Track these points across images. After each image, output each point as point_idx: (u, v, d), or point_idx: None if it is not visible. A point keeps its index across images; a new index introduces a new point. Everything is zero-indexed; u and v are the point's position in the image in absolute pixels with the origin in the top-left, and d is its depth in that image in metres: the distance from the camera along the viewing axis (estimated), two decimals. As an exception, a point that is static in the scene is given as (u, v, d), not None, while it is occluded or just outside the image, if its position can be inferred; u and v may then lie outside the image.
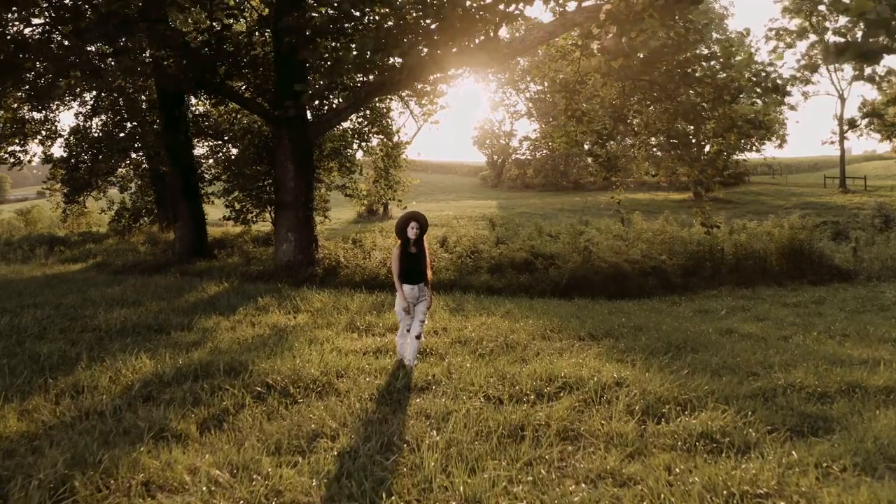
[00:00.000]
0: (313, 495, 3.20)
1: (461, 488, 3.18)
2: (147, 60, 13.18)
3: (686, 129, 12.66)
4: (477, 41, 9.05)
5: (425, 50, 8.88)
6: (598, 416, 4.24)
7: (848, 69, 44.00)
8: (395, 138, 18.64)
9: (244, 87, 14.28)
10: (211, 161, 21.75)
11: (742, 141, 12.73)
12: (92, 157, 22.57)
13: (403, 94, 15.95)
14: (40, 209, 36.04)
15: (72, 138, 22.60)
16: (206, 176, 21.00)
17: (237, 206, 16.87)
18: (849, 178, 44.29)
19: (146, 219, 25.07)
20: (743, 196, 38.98)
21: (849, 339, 8.16)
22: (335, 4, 9.74)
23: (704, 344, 7.04)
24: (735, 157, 12.23)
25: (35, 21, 11.90)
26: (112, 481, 3.38)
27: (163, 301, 9.91)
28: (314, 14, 10.81)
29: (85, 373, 5.51)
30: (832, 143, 45.65)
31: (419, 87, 14.28)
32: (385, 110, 17.18)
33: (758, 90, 12.19)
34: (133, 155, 23.63)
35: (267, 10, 13.11)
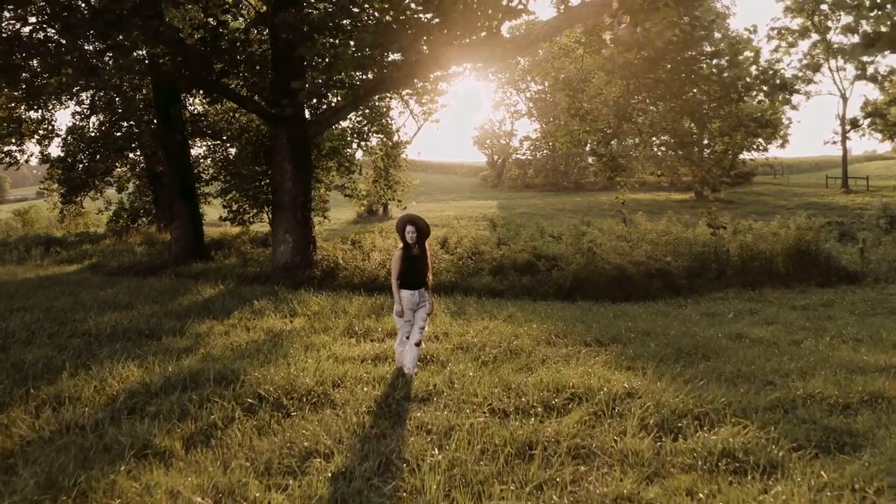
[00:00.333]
0: (305, 522, 2.94)
1: (466, 515, 2.92)
2: (142, 58, 12.94)
3: (691, 128, 12.39)
4: (478, 37, 8.78)
5: (425, 46, 8.62)
6: (611, 431, 3.98)
7: (850, 69, 43.77)
8: (395, 138, 18.39)
9: (241, 85, 14.02)
10: (209, 161, 21.52)
11: (748, 140, 12.47)
12: (89, 156, 22.35)
13: (403, 92, 15.68)
14: (37, 209, 35.78)
15: (69, 138, 22.39)
16: (203, 176, 20.76)
17: (234, 207, 16.60)
18: (851, 178, 44.00)
19: (144, 219, 24.84)
20: (745, 196, 38.71)
21: (862, 343, 7.90)
22: (333, 0, 9.49)
23: (715, 350, 6.78)
24: (742, 156, 11.95)
25: (31, 20, 11.65)
26: (87, 506, 3.12)
27: (156, 304, 9.65)
28: (312, 11, 10.56)
29: (69, 382, 5.25)
30: (834, 143, 45.40)
31: (419, 85, 14.02)
32: (385, 109, 16.92)
33: (764, 88, 11.94)
34: (131, 155, 23.44)
35: (265, 7, 12.86)
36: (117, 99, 19.48)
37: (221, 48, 11.42)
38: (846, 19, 43.15)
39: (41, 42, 11.04)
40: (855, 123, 43.74)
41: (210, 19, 11.72)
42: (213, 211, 25.00)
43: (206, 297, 10.46)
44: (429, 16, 9.02)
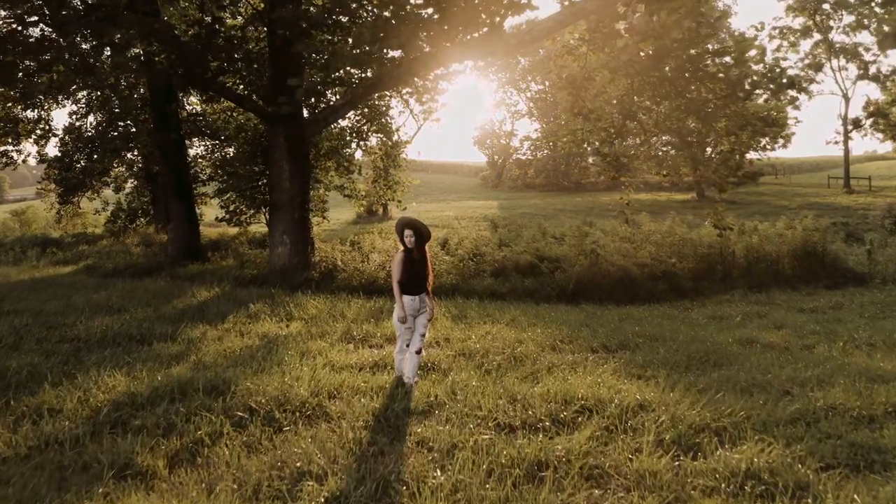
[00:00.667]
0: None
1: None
2: (138, 56, 12.69)
3: (697, 126, 12.13)
4: (480, 33, 8.52)
5: (425, 42, 8.36)
6: (625, 448, 3.72)
7: (853, 68, 43.52)
8: (395, 137, 18.12)
9: (238, 83, 13.76)
10: (207, 161, 21.27)
11: (755, 140, 12.21)
12: (86, 156, 22.10)
13: (403, 91, 15.42)
14: (35, 210, 35.53)
15: (67, 137, 22.14)
16: (200, 176, 20.51)
17: (231, 207, 16.35)
18: (852, 178, 43.72)
19: (142, 219, 24.59)
20: (746, 197, 38.45)
21: (877, 349, 7.65)
22: (331, -5, 9.24)
23: (727, 356, 6.53)
24: (749, 156, 11.68)
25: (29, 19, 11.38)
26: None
27: (149, 308, 9.40)
28: (310, 7, 10.31)
29: (52, 392, 5.00)
30: (836, 143, 45.15)
31: (419, 83, 13.75)
32: (384, 108, 16.65)
33: (771, 86, 11.69)
34: (128, 155, 23.20)
35: (262, 3, 12.60)
36: (114, 98, 19.24)
37: (217, 45, 11.16)
38: (848, 19, 43.02)
39: (38, 40, 10.80)
40: (857, 123, 43.48)
41: (206, 16, 11.46)
42: (211, 211, 24.73)
43: (200, 300, 10.21)
44: (429, 11, 8.76)
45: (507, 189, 53.10)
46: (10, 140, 21.03)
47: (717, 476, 3.36)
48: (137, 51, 13.04)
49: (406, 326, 5.20)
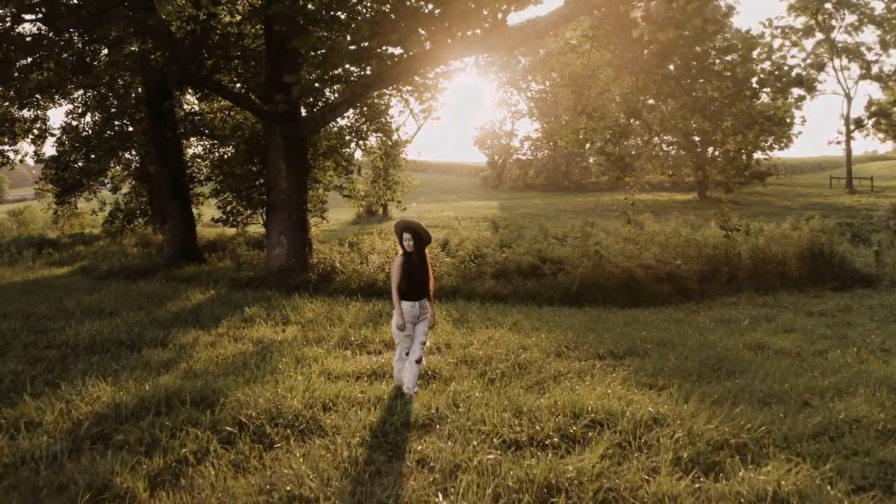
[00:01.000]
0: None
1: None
2: (133, 53, 12.42)
3: (703, 126, 11.87)
4: (482, 28, 8.26)
5: (426, 38, 8.10)
6: (641, 467, 3.47)
7: (855, 68, 43.30)
8: (395, 137, 17.85)
9: (234, 81, 13.50)
10: (205, 161, 21.00)
11: (762, 139, 11.95)
12: (83, 156, 21.83)
13: (403, 89, 15.16)
14: (32, 210, 35.27)
15: (64, 137, 21.88)
16: (197, 176, 20.24)
17: (228, 208, 16.09)
18: (854, 178, 43.45)
19: (140, 220, 24.32)
20: (748, 197, 38.16)
21: (892, 355, 7.41)
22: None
23: (739, 364, 6.28)
24: (757, 155, 11.43)
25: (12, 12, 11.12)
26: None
27: (141, 311, 9.14)
28: (308, 4, 10.03)
29: (33, 403, 4.74)
30: (838, 143, 44.90)
31: (419, 81, 13.50)
32: (384, 107, 16.38)
33: (778, 84, 11.43)
34: (126, 155, 22.94)
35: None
36: (111, 96, 18.98)
37: (213, 42, 10.90)
38: (850, 18, 42.79)
39: (34, 37, 10.54)
40: (859, 123, 43.23)
41: (201, 12, 11.19)
42: (210, 212, 24.48)
43: (195, 303, 9.95)
44: (430, 7, 8.50)
45: (507, 189, 52.83)
46: (6, 140, 20.78)
47: (742, 500, 3.11)
48: (133, 48, 12.80)
49: (405, 334, 4.95)
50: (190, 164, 20.25)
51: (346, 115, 15.48)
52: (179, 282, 12.74)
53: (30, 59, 10.74)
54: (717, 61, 11.40)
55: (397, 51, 9.60)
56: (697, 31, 10.66)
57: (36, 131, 21.20)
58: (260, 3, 12.25)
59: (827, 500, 3.11)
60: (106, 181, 23.97)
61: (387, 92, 15.42)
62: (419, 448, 3.76)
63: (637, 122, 11.74)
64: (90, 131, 21.64)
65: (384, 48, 8.44)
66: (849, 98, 43.49)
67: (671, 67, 11.44)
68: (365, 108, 15.56)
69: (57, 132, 21.81)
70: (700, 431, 3.95)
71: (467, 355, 6.31)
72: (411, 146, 28.94)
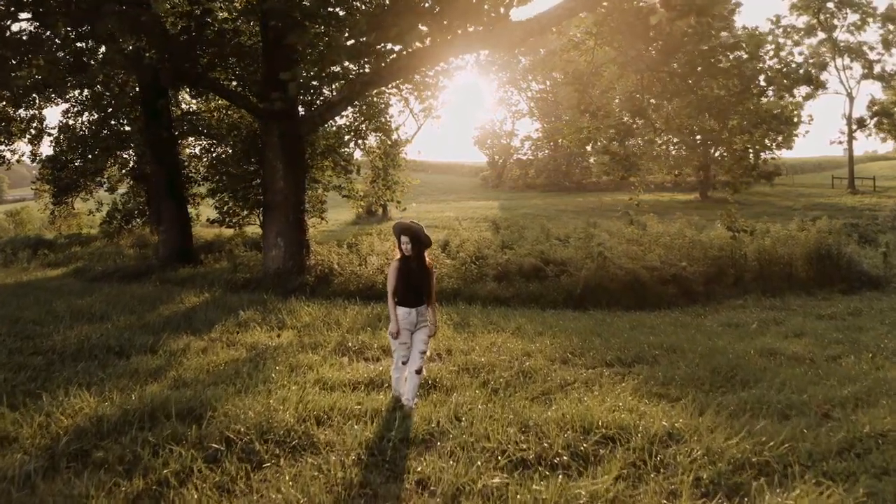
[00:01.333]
0: None
1: None
2: (127, 50, 12.16)
3: (709, 125, 11.61)
4: (483, 23, 8.00)
5: (425, 30, 7.83)
6: (659, 490, 3.21)
7: (857, 67, 43.05)
8: (394, 136, 17.60)
9: (230, 79, 13.24)
10: (202, 160, 20.74)
11: (769, 138, 11.68)
12: (80, 156, 21.58)
13: (402, 87, 14.90)
14: (29, 210, 35.02)
15: (62, 137, 21.63)
16: (194, 177, 19.99)
17: (224, 208, 15.83)
18: (856, 178, 43.22)
19: (138, 220, 24.07)
20: (750, 197, 37.86)
21: (907, 360, 7.14)
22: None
23: (753, 372, 6.02)
24: (765, 154, 11.18)
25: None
26: None
27: (133, 315, 8.89)
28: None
29: (10, 416, 4.48)
30: (840, 142, 44.73)
31: (419, 79, 13.24)
32: (383, 106, 16.12)
33: (785, 82, 11.18)
34: (123, 154, 22.69)
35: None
36: (107, 95, 18.73)
37: (208, 39, 10.64)
38: (853, 17, 42.56)
39: (29, 34, 10.30)
40: (862, 123, 43.00)
41: (196, 8, 10.93)
42: (208, 212, 24.24)
43: (188, 306, 9.69)
44: (430, 1, 8.24)
45: (507, 189, 52.60)
46: (2, 139, 20.53)
47: (772, 529, 2.86)
48: (128, 46, 12.54)
49: (401, 342, 4.69)
50: (187, 163, 20.00)
51: (344, 113, 15.26)
52: (174, 284, 12.49)
53: (19, 57, 10.51)
54: (724, 59, 11.14)
55: (397, 48, 9.33)
56: (712, 22, 10.39)
57: (33, 131, 20.97)
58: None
59: (864, 529, 2.86)
60: (103, 181, 23.71)
61: (386, 90, 15.17)
62: (419, 468, 3.50)
63: (641, 121, 11.48)
64: (86, 131, 21.39)
65: (383, 44, 8.17)
66: (851, 98, 43.29)
67: (676, 65, 11.18)
68: (364, 107, 15.31)
69: (54, 132, 21.58)
70: (719, 449, 3.69)
71: (469, 362, 6.06)
72: (411, 146, 28.68)
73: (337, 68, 10.25)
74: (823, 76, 42.71)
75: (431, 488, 3.27)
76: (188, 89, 15.22)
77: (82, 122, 21.63)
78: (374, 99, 15.59)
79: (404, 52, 9.30)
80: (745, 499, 3.17)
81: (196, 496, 3.17)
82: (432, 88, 14.42)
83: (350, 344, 6.95)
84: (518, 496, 3.08)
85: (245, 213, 15.91)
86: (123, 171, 23.65)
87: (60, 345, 7.00)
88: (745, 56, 10.87)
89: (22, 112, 19.99)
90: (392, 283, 4.68)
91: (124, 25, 9.57)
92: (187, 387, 5.25)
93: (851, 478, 3.54)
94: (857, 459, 3.82)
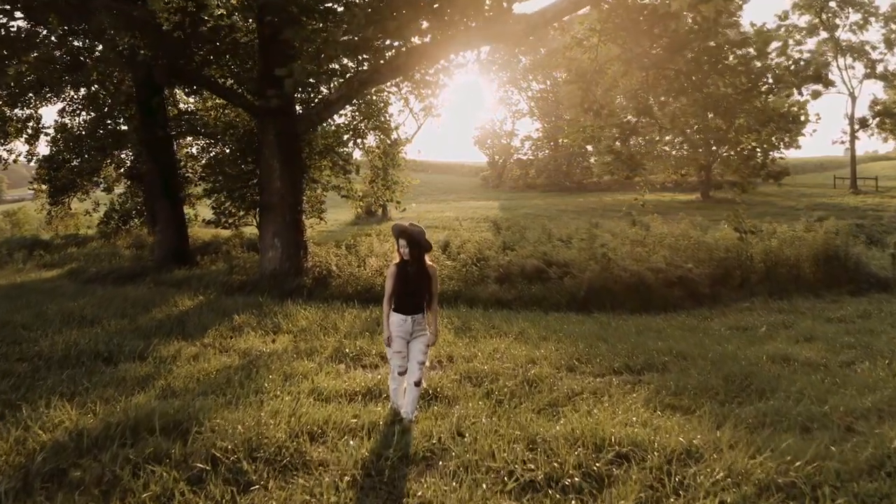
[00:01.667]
0: None
1: None
2: (121, 48, 11.91)
3: (716, 123, 11.35)
4: (484, 17, 7.74)
5: (425, 26, 7.57)
6: (679, 518, 2.96)
7: (860, 67, 42.76)
8: (394, 135, 17.32)
9: (228, 77, 12.97)
10: (200, 160, 20.47)
11: (777, 137, 11.42)
12: (76, 155, 21.30)
13: (402, 86, 14.63)
14: (26, 211, 34.75)
15: (59, 136, 21.36)
16: (190, 176, 19.72)
17: (221, 209, 15.56)
18: (858, 178, 42.94)
19: (136, 220, 23.79)
20: (751, 197, 37.41)
21: (924, 366, 6.89)
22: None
23: (768, 380, 5.76)
24: (773, 154, 10.89)
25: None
26: None
27: (124, 319, 8.63)
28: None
29: (-14, 430, 4.23)
30: (842, 142, 44.43)
31: (418, 77, 12.97)
32: (382, 105, 15.85)
33: (793, 80, 10.93)
34: (120, 154, 22.41)
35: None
36: (103, 94, 18.46)
37: (202, 35, 10.37)
38: (855, 16, 42.27)
39: (22, 31, 10.02)
40: (864, 123, 42.71)
41: (189, 3, 10.65)
42: (206, 213, 23.95)
43: (182, 309, 9.43)
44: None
45: (507, 189, 52.33)
46: (-1, 139, 20.25)
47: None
48: (123, 42, 12.28)
49: (395, 350, 4.42)
50: (183, 163, 19.73)
51: (343, 112, 14.98)
52: (169, 286, 12.23)
53: (10, 54, 10.25)
54: (731, 56, 10.88)
55: (395, 44, 9.08)
56: (709, 25, 10.16)
57: (30, 130, 20.70)
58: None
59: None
60: (99, 181, 23.43)
61: (385, 88, 14.90)
62: (419, 491, 3.24)
63: (646, 120, 11.22)
64: (83, 130, 21.12)
65: (381, 40, 7.91)
66: (853, 97, 42.99)
67: (682, 63, 10.91)
68: (362, 106, 15.04)
69: (51, 131, 21.31)
70: (742, 469, 3.43)
71: (471, 370, 5.80)
72: (411, 145, 28.39)
73: (335, 65, 9.98)
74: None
75: (433, 515, 3.01)
76: (182, 87, 14.90)
77: (78, 122, 21.36)
78: (374, 97, 15.31)
79: (403, 49, 9.04)
80: (776, 527, 2.92)
81: (176, 524, 2.91)
82: (432, 87, 14.15)
83: (347, 350, 6.70)
84: (528, 525, 2.83)
85: (241, 213, 15.62)
86: (120, 170, 23.37)
87: (48, 350, 6.74)
88: (752, 53, 10.59)
89: (18, 111, 19.73)
90: (388, 289, 4.42)
91: (117, 21, 9.33)
92: (176, 397, 5.00)
93: (885, 500, 3.29)
94: (889, 479, 3.57)
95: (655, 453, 3.62)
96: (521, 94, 54.18)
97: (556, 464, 3.48)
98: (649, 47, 10.54)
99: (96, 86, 17.43)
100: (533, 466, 3.48)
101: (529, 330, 8.03)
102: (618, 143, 11.13)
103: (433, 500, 3.14)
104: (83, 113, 21.15)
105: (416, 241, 4.32)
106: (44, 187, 23.78)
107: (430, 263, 4.51)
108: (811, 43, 43.86)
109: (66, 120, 21.31)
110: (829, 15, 42.19)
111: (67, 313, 9.01)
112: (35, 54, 10.19)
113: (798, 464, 3.51)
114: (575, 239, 15.30)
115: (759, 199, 37.50)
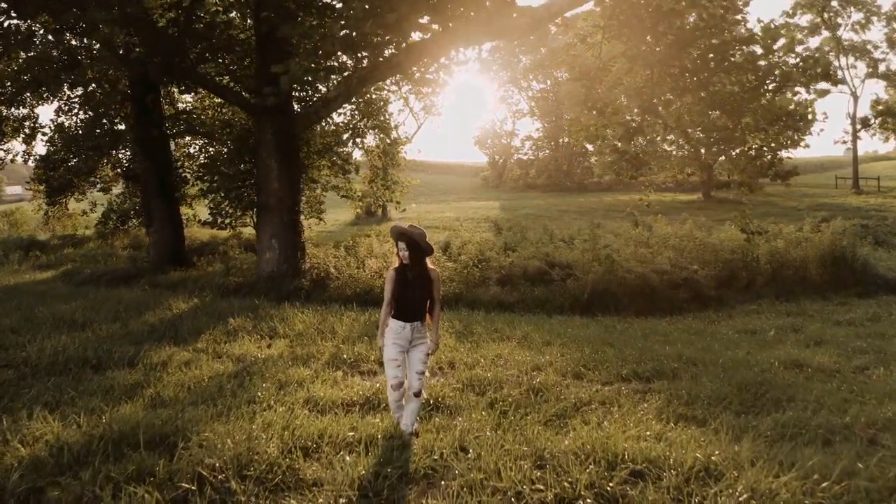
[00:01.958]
0: None
1: None
2: (114, 44, 11.68)
3: (722, 122, 11.12)
4: (486, 9, 7.51)
5: (428, 20, 7.35)
6: (702, 546, 2.73)
7: (861, 66, 42.56)
8: (394, 135, 17.09)
9: (224, 74, 12.73)
10: (200, 159, 20.22)
11: (783, 136, 11.21)
12: (73, 155, 21.07)
13: (402, 84, 14.40)
14: (24, 211, 34.50)
15: (56, 136, 21.13)
16: (187, 175, 19.47)
17: (218, 209, 15.32)
18: (860, 178, 42.72)
19: (134, 220, 23.56)
20: (753, 198, 37.18)
21: (939, 371, 6.68)
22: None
23: (783, 388, 5.53)
24: (780, 153, 10.68)
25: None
26: None
27: (116, 323, 8.38)
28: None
29: (-39, 444, 4.00)
30: (844, 142, 44.23)
31: (418, 75, 12.75)
32: (382, 103, 15.62)
33: (802, 79, 10.71)
34: (118, 154, 22.17)
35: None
36: (99, 93, 18.23)
37: (197, 31, 10.14)
38: (857, 16, 42.06)
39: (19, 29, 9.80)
40: (866, 122, 42.52)
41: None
42: (204, 213, 23.71)
43: (176, 313, 9.20)
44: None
45: (508, 189, 52.10)
46: (-5, 139, 20.02)
47: None
48: (117, 39, 12.06)
49: (390, 357, 4.19)
50: (180, 163, 19.50)
51: (342, 111, 14.74)
52: (164, 288, 12.00)
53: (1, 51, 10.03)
54: (737, 53, 10.66)
55: (394, 40, 8.84)
56: (715, 21, 9.95)
57: (27, 130, 20.47)
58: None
59: None
60: (96, 181, 23.19)
61: (385, 87, 14.68)
62: (420, 514, 3.02)
63: (651, 119, 11.00)
64: (79, 130, 20.88)
65: (380, 35, 7.68)
66: (855, 97, 42.80)
67: (687, 61, 10.70)
68: (362, 104, 14.80)
69: (48, 131, 21.07)
70: (766, 489, 3.21)
71: (474, 378, 5.58)
72: (411, 145, 28.17)
73: (333, 62, 9.75)
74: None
75: (435, 543, 2.79)
76: (177, 84, 14.65)
77: (75, 122, 21.12)
78: (373, 96, 15.09)
79: (403, 45, 8.81)
80: (808, 557, 2.69)
81: (156, 553, 2.68)
82: (432, 85, 13.92)
83: (345, 355, 6.47)
84: (538, 555, 2.60)
85: (238, 214, 15.38)
86: (117, 170, 23.14)
87: (35, 356, 6.49)
88: (759, 51, 10.37)
89: (15, 110, 19.51)
90: (388, 294, 4.19)
91: (111, 17, 9.08)
92: (164, 407, 4.77)
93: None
94: (921, 498, 3.34)
95: (672, 471, 3.39)
96: (521, 94, 53.98)
97: (566, 483, 3.25)
98: (654, 44, 10.33)
99: (93, 85, 17.22)
100: (542, 486, 3.25)
101: (533, 334, 7.80)
102: (619, 143, 10.90)
103: (435, 526, 2.91)
104: (80, 112, 20.94)
105: (416, 244, 4.07)
106: (41, 187, 23.57)
107: (432, 267, 4.27)
108: (813, 42, 43.66)
109: (63, 119, 21.11)
110: (831, 14, 41.98)
111: (58, 317, 8.77)
112: (31, 53, 9.96)
113: (825, 484, 3.28)
114: (577, 240, 15.10)
115: (761, 199, 37.20)
